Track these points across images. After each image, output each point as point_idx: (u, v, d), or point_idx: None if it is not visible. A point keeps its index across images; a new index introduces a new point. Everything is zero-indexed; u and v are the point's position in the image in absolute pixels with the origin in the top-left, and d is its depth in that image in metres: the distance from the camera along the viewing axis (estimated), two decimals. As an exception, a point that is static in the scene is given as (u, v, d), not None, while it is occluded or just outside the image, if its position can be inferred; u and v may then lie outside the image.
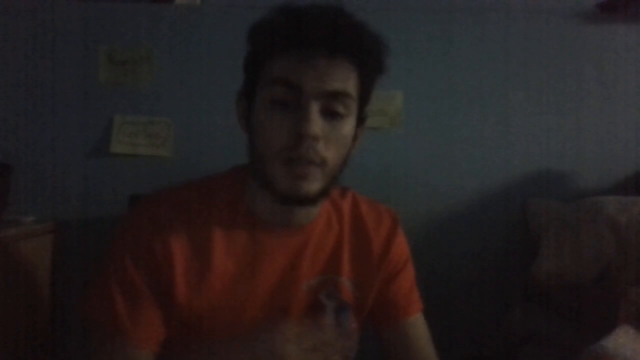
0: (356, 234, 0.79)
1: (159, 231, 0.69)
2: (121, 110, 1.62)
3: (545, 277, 1.37)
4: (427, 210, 1.67)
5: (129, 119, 1.61)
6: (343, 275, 0.77)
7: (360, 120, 0.73)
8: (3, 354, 1.22)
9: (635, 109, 1.72)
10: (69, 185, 1.59)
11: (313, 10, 0.65)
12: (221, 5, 1.62)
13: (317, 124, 0.64)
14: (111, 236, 0.71)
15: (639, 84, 1.72)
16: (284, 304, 0.73)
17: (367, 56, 0.68)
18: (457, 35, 1.69)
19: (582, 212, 1.35)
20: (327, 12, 0.65)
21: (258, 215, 0.73)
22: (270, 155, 0.65)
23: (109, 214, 1.57)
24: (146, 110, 1.62)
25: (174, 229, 0.70)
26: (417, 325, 0.81)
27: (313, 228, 0.76)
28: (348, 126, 0.68)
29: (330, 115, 0.66)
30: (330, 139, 0.66)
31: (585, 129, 1.71)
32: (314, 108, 0.64)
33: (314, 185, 0.66)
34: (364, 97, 0.71)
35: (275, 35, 0.66)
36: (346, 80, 0.66)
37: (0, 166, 1.49)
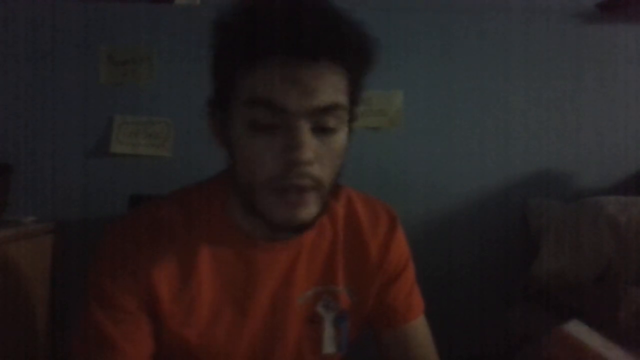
0: (351, 238, 0.74)
1: (140, 253, 0.64)
2: (121, 110, 1.62)
3: (545, 277, 1.37)
4: (427, 210, 1.67)
5: (129, 119, 1.61)
6: (339, 283, 0.72)
7: (352, 120, 0.66)
8: (3, 354, 1.22)
9: (635, 109, 1.72)
10: (69, 185, 1.59)
11: (283, 8, 0.56)
12: (221, 5, 1.62)
13: (309, 147, 0.56)
14: (89, 262, 0.66)
15: (639, 84, 1.72)
16: (280, 322, 0.70)
17: (355, 54, 0.60)
18: (457, 35, 1.69)
19: (582, 212, 1.35)
20: (300, 8, 0.56)
21: (243, 230, 0.67)
22: (259, 185, 0.58)
23: (109, 214, 1.57)
24: (146, 110, 1.62)
25: (157, 252, 0.64)
26: (418, 328, 0.78)
27: (304, 239, 0.70)
28: (341, 139, 0.60)
29: (322, 130, 0.58)
30: (324, 158, 0.58)
31: (585, 129, 1.72)
32: (304, 129, 0.56)
33: (311, 210, 0.59)
34: (355, 98, 0.63)
35: (248, 43, 0.57)
36: (336, 89, 0.58)
37: (0, 166, 1.49)
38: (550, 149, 1.70)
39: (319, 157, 0.58)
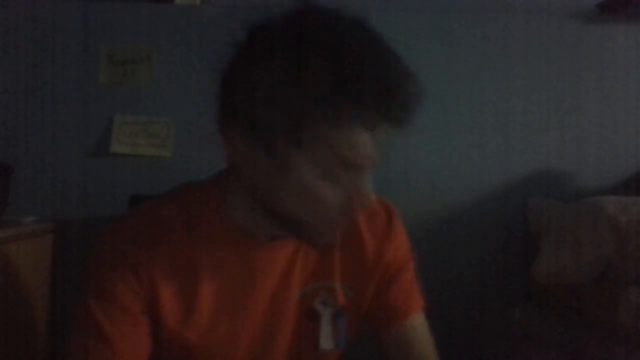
0: (347, 233, 0.73)
1: (141, 251, 0.64)
2: (121, 110, 1.62)
3: (545, 277, 1.37)
4: (426, 210, 1.67)
5: (129, 119, 1.61)
6: (336, 279, 0.73)
7: None
8: (3, 354, 1.22)
9: (635, 109, 1.72)
10: (69, 185, 1.59)
11: (385, 73, 0.61)
12: (221, 5, 1.62)
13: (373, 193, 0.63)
14: (87, 258, 0.66)
15: (639, 84, 1.72)
16: (277, 318, 0.70)
17: None
18: (457, 35, 1.69)
19: (582, 212, 1.35)
20: (399, 74, 0.62)
21: (242, 230, 0.67)
22: (315, 218, 0.62)
23: (109, 214, 1.57)
24: (146, 110, 1.62)
25: (158, 251, 0.65)
26: (417, 326, 0.77)
27: None
28: None
29: None
30: None
31: (585, 129, 1.71)
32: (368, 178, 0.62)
33: None
34: None
35: (343, 102, 0.55)
36: None
37: (0, 166, 1.49)
38: (550, 149, 1.70)
39: None
